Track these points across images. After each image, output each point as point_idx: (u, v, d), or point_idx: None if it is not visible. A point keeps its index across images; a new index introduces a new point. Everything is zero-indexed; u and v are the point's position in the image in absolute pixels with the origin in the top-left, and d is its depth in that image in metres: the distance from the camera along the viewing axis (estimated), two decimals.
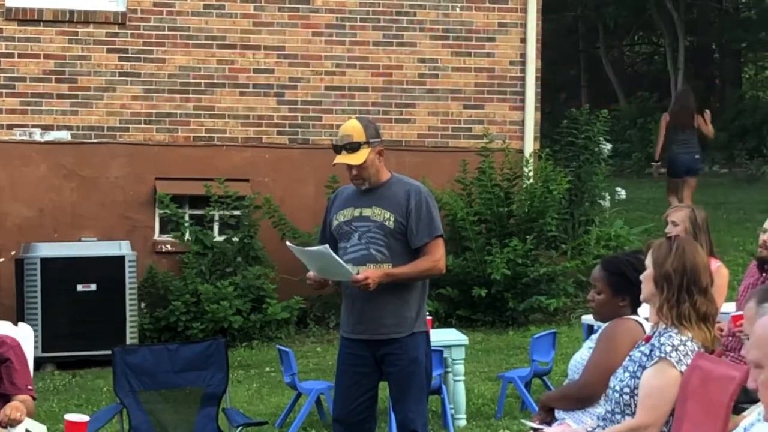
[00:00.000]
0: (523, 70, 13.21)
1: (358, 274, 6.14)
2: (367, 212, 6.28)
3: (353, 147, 6.23)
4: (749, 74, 31.27)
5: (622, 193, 16.12)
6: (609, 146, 14.67)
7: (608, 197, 14.33)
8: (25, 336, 7.01)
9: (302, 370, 9.86)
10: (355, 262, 6.21)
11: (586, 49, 30.43)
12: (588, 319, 8.85)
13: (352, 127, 6.30)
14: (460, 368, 8.82)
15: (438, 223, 6.32)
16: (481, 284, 12.06)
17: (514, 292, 12.16)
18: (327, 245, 6.18)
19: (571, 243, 12.80)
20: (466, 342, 9.11)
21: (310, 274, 6.35)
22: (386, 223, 6.24)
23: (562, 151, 13.78)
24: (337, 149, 6.29)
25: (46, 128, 12.34)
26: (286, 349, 9.10)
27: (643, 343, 5.14)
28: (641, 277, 5.16)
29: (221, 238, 12.47)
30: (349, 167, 6.26)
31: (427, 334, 6.38)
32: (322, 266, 6.24)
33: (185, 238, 12.32)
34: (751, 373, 3.23)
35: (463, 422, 8.75)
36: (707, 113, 15.38)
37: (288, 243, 6.55)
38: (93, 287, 11.39)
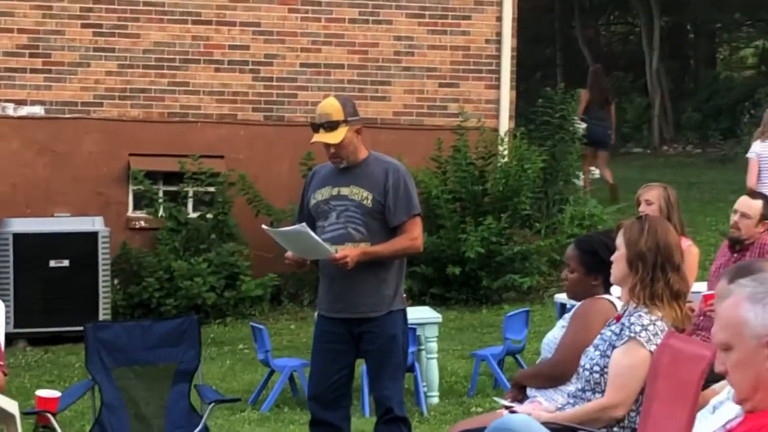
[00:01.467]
0: (498, 49, 13.19)
1: (336, 252, 6.14)
2: (345, 191, 6.27)
3: (331, 125, 6.21)
4: (723, 55, 31.36)
5: (595, 173, 16.16)
6: (583, 126, 14.72)
7: (582, 176, 14.36)
8: None
9: (276, 348, 9.86)
10: (333, 241, 6.20)
11: (562, 28, 30.40)
12: (561, 297, 8.88)
13: (330, 106, 6.27)
14: (434, 346, 8.85)
15: (416, 201, 6.32)
16: (455, 262, 12.07)
17: (488, 270, 12.17)
18: (305, 224, 6.16)
19: (545, 222, 12.82)
20: (440, 320, 9.13)
21: (289, 254, 6.33)
22: (364, 202, 6.23)
23: (537, 130, 13.78)
24: (315, 128, 6.26)
25: (20, 103, 12.26)
26: (260, 326, 9.10)
27: (614, 321, 5.17)
28: (612, 258, 5.18)
29: (195, 215, 12.43)
30: (327, 146, 6.24)
31: (404, 313, 6.39)
32: (300, 246, 6.22)
33: (159, 215, 12.29)
34: (718, 356, 3.22)
35: (435, 400, 8.78)
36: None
37: (264, 227, 6.51)
38: (66, 263, 11.34)
